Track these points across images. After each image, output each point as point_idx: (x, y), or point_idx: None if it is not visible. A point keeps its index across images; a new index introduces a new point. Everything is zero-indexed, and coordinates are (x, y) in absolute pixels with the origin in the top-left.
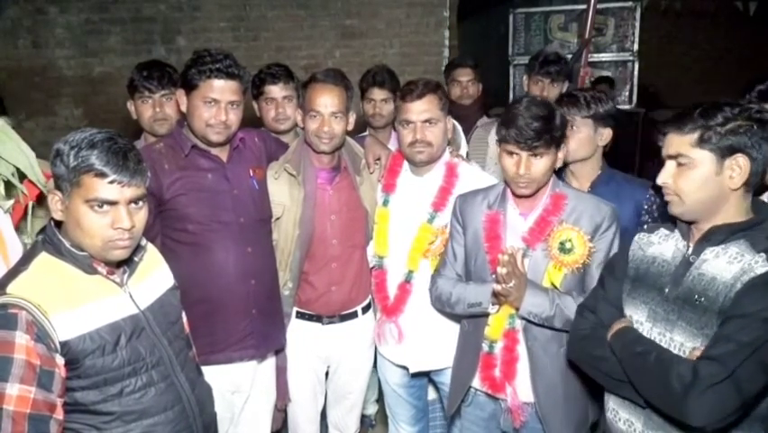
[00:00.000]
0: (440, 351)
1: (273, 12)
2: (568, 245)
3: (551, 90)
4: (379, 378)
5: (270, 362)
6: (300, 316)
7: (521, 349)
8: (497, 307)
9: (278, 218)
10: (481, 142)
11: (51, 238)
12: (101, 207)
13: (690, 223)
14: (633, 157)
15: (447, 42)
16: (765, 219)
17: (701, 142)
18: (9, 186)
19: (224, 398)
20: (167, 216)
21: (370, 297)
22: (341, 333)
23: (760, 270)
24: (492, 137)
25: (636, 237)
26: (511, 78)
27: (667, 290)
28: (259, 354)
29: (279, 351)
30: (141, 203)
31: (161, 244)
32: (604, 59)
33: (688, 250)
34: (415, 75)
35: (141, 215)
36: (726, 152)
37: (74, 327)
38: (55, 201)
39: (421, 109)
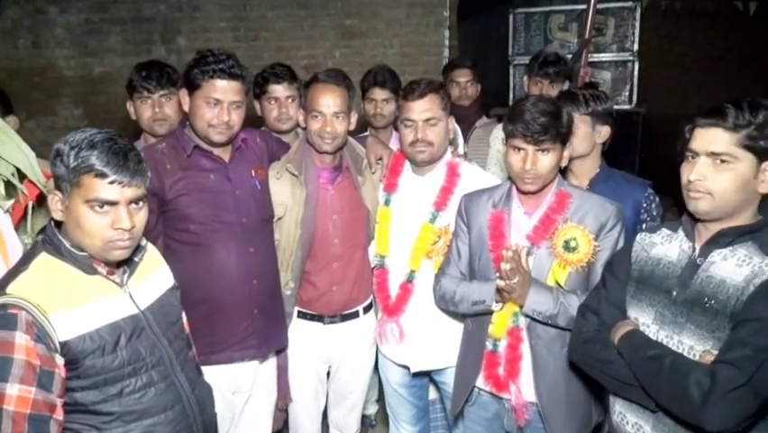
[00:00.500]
0: (441, 351)
1: (273, 12)
2: (573, 244)
3: (550, 91)
4: (380, 378)
5: (271, 362)
6: (302, 315)
7: (525, 348)
8: (500, 304)
9: (279, 218)
10: (481, 143)
11: (51, 238)
12: (101, 207)
13: (698, 221)
14: (632, 157)
15: (447, 42)
16: None
17: (748, 142)
18: (9, 186)
19: (225, 398)
20: (169, 216)
21: (371, 297)
22: (342, 333)
23: None
24: (493, 138)
25: (638, 238)
26: (511, 78)
27: (675, 293)
28: (260, 354)
29: (281, 351)
30: (141, 203)
31: (163, 245)
32: (604, 59)
33: (694, 252)
34: (415, 75)
35: (141, 215)
36: (764, 156)
37: (74, 328)
38: (55, 201)
39: (423, 108)
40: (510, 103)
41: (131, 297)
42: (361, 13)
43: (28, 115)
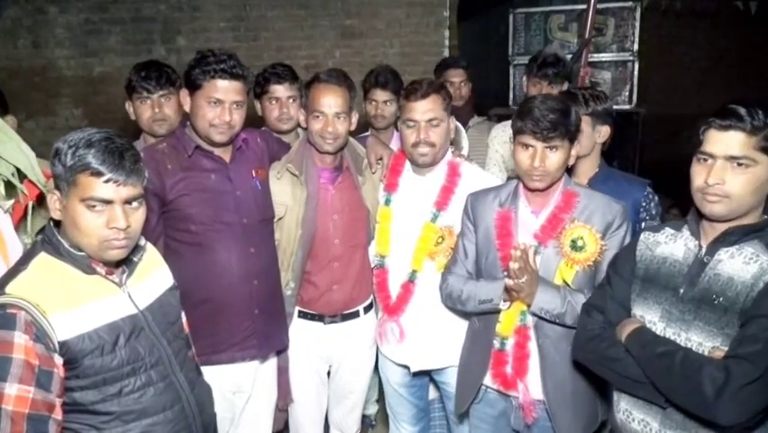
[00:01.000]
0: (441, 350)
1: (273, 12)
2: (580, 243)
3: (549, 92)
4: (380, 377)
5: (272, 362)
6: (302, 315)
7: (532, 346)
8: (508, 303)
9: (280, 218)
10: (475, 142)
11: (50, 238)
12: (96, 206)
13: (703, 220)
14: (632, 157)
15: (447, 42)
16: None
17: (766, 144)
18: (9, 186)
19: (226, 398)
20: (170, 216)
21: (371, 296)
22: (342, 332)
23: None
24: (491, 138)
25: (642, 237)
26: (511, 78)
27: (682, 291)
28: (261, 354)
29: (281, 351)
30: (137, 203)
31: (164, 245)
32: (604, 59)
33: (700, 250)
34: (415, 75)
35: (138, 215)
36: None
37: (73, 327)
38: (54, 201)
39: (425, 109)
40: (510, 103)
41: (130, 297)
42: (361, 13)
43: (28, 115)
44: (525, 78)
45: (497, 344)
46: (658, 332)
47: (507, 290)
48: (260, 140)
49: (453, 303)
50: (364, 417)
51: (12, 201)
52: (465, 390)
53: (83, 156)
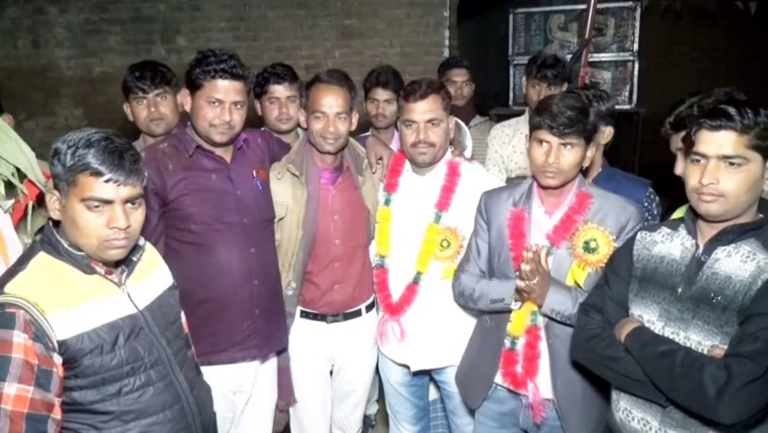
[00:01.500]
0: (442, 350)
1: (273, 12)
2: (592, 245)
3: (548, 94)
4: (381, 377)
5: (272, 362)
6: (305, 315)
7: (542, 346)
8: (519, 303)
9: (281, 219)
10: (476, 142)
11: (50, 238)
12: (96, 206)
13: (700, 219)
14: (632, 156)
15: (447, 42)
16: None
17: (757, 142)
18: (9, 186)
19: (226, 398)
20: (170, 216)
21: (373, 295)
22: (345, 331)
23: None
24: (491, 138)
25: (638, 236)
26: (511, 78)
27: (680, 290)
28: (261, 354)
29: (282, 351)
30: (136, 203)
31: (165, 245)
32: (604, 59)
33: (698, 249)
34: (415, 75)
35: (138, 215)
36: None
37: (72, 327)
38: (53, 201)
39: (425, 109)
40: (510, 103)
41: (129, 296)
42: (361, 13)
43: (28, 115)
44: (524, 79)
45: (507, 343)
46: (657, 331)
47: (519, 290)
48: (260, 140)
49: (465, 301)
50: (365, 417)
51: (12, 201)
52: (476, 387)
53: (83, 156)
